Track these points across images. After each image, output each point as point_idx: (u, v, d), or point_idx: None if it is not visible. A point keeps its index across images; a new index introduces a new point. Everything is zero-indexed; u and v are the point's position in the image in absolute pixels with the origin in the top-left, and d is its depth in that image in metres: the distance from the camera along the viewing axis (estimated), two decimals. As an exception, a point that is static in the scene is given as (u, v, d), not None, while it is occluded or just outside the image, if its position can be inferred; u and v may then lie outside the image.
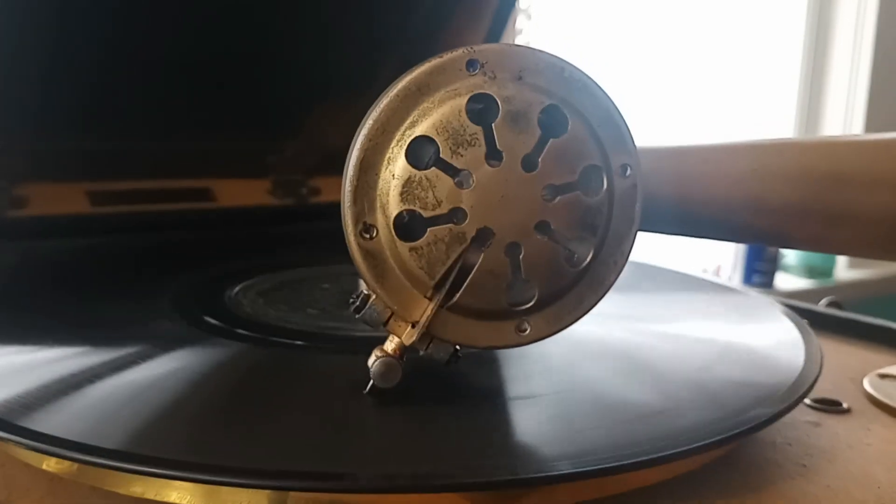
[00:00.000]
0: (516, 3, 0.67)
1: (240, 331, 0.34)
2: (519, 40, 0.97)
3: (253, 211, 0.65)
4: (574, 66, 0.26)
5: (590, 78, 0.26)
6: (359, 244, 0.26)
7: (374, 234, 0.26)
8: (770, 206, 0.32)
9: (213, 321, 0.35)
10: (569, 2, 1.02)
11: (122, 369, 0.29)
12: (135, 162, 0.62)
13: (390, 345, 0.27)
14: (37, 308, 0.38)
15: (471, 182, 0.25)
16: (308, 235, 0.64)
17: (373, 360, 0.27)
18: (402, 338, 0.27)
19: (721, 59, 1.25)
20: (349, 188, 0.26)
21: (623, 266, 0.27)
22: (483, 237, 0.26)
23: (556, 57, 0.26)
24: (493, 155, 0.25)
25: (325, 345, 0.34)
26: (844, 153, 0.32)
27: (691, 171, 0.33)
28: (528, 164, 0.25)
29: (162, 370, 0.29)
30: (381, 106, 0.25)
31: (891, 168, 0.29)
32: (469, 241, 0.26)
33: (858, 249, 0.34)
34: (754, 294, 0.45)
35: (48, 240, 0.56)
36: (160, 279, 0.44)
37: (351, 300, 0.27)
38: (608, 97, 0.26)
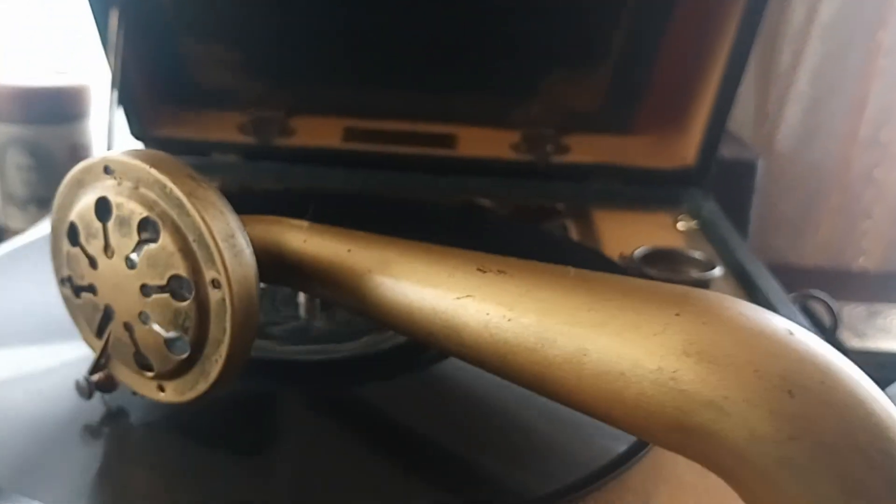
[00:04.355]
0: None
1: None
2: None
3: (489, 163, 0.70)
4: (176, 187, 0.29)
5: (189, 199, 0.29)
6: (60, 290, 0.33)
7: (68, 285, 0.33)
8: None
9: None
10: None
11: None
12: (390, 105, 0.71)
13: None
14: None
15: (97, 266, 0.31)
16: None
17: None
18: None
19: None
20: (50, 247, 0.33)
21: (222, 366, 0.30)
22: (110, 312, 0.31)
23: (163, 174, 0.29)
24: (107, 249, 0.30)
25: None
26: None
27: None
28: (130, 263, 0.30)
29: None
30: (59, 190, 0.32)
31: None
32: (103, 310, 0.31)
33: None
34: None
35: (303, 166, 0.70)
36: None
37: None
38: (203, 219, 0.28)
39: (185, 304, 0.29)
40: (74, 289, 0.32)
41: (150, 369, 0.31)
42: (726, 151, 0.76)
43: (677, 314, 0.25)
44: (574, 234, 0.62)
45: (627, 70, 0.66)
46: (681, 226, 0.65)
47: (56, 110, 0.74)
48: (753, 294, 0.53)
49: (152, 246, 0.29)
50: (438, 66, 0.68)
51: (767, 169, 0.90)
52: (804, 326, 0.48)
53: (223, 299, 0.29)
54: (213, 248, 0.28)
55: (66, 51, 0.83)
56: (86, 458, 0.31)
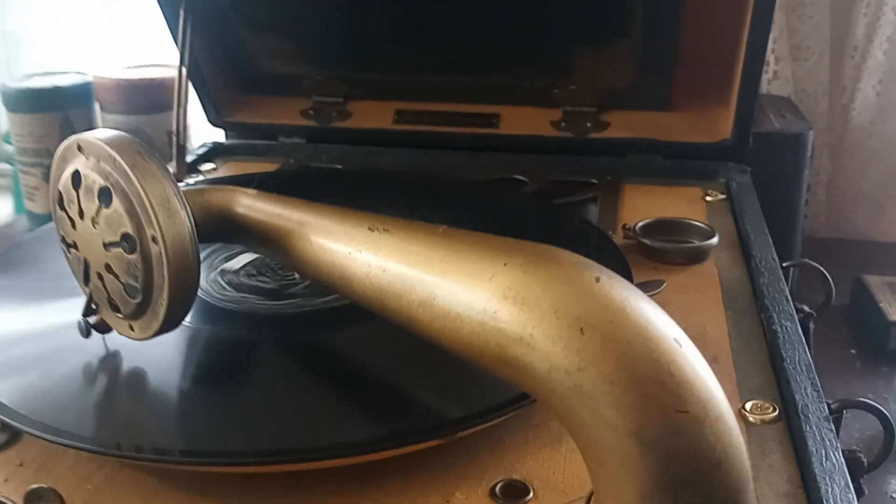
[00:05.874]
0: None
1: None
2: None
3: (530, 140, 0.74)
4: (123, 160, 0.35)
5: (132, 170, 0.35)
6: (62, 247, 0.41)
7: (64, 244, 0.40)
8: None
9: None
10: None
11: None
12: (438, 88, 0.76)
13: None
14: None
15: (76, 227, 0.38)
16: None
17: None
18: (87, 307, 0.41)
19: None
20: (52, 213, 0.40)
21: (166, 308, 0.36)
22: (88, 264, 0.38)
23: (113, 150, 0.35)
24: (81, 212, 0.37)
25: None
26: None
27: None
28: (94, 223, 0.37)
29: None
30: (52, 165, 0.39)
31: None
32: (83, 263, 0.39)
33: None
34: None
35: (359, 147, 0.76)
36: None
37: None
38: (142, 186, 0.35)
39: (133, 256, 0.36)
40: (66, 246, 0.39)
41: (120, 312, 0.38)
42: (778, 123, 0.76)
43: (506, 264, 0.29)
44: (602, 207, 0.65)
45: (653, 42, 0.68)
46: (709, 198, 0.67)
47: (154, 100, 0.84)
48: (748, 261, 0.54)
49: (108, 209, 0.36)
50: (482, 50, 0.72)
51: (844, 143, 0.89)
52: (788, 295, 0.50)
53: (160, 252, 0.35)
54: (150, 210, 0.35)
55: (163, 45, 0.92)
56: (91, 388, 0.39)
